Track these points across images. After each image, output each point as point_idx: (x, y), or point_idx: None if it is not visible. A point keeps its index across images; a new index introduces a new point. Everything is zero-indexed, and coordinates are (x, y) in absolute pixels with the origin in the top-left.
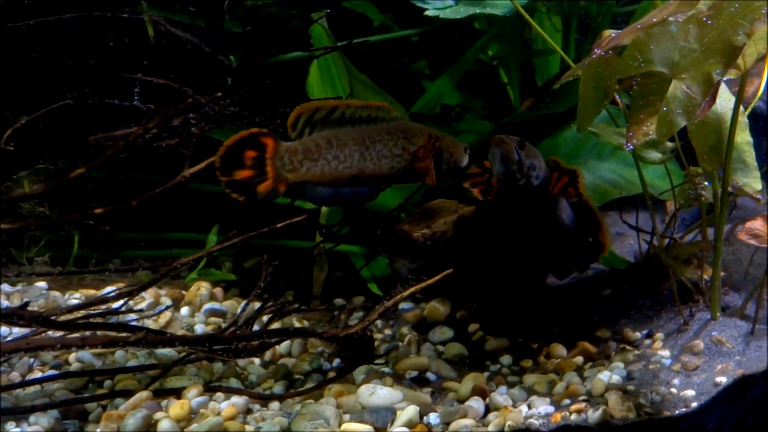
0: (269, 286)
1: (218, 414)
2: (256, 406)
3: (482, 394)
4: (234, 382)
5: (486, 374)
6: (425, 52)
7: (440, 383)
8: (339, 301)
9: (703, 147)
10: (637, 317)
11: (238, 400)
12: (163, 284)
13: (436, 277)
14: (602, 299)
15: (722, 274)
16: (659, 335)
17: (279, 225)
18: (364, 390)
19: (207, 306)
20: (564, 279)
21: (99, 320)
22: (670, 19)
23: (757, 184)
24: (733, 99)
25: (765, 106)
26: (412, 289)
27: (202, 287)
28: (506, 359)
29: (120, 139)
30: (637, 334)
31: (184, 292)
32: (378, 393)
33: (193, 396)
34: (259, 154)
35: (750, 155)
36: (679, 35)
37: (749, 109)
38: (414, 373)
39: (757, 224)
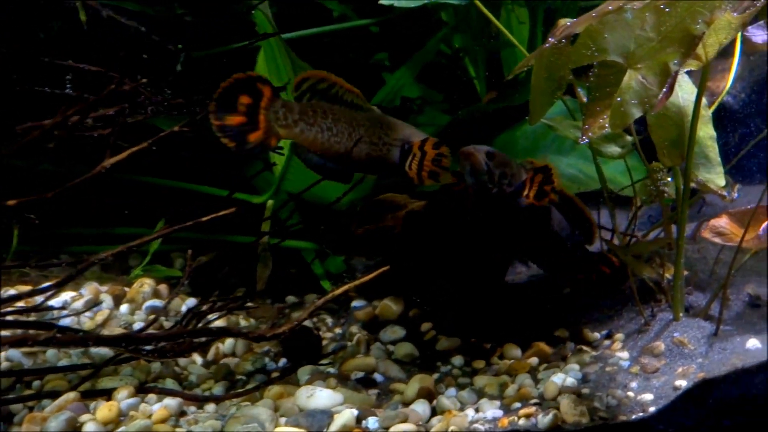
0: (219, 282)
1: (149, 417)
2: (192, 408)
3: (429, 396)
4: (170, 383)
5: (436, 375)
6: (386, 44)
7: (387, 385)
8: (291, 298)
9: (663, 141)
10: (597, 317)
11: (171, 402)
12: (106, 280)
13: (371, 275)
14: (562, 298)
15: (686, 273)
16: (619, 336)
17: (204, 219)
18: (303, 392)
19: (148, 303)
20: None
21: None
22: (626, 6)
23: (720, 180)
24: (695, 91)
25: (734, 101)
26: (344, 288)
27: (146, 284)
28: (458, 360)
29: (51, 129)
30: (596, 335)
31: (126, 288)
32: (317, 395)
33: (123, 397)
34: (254, 102)
35: (713, 150)
36: (635, 23)
37: (716, 104)
38: (360, 374)
39: (722, 222)
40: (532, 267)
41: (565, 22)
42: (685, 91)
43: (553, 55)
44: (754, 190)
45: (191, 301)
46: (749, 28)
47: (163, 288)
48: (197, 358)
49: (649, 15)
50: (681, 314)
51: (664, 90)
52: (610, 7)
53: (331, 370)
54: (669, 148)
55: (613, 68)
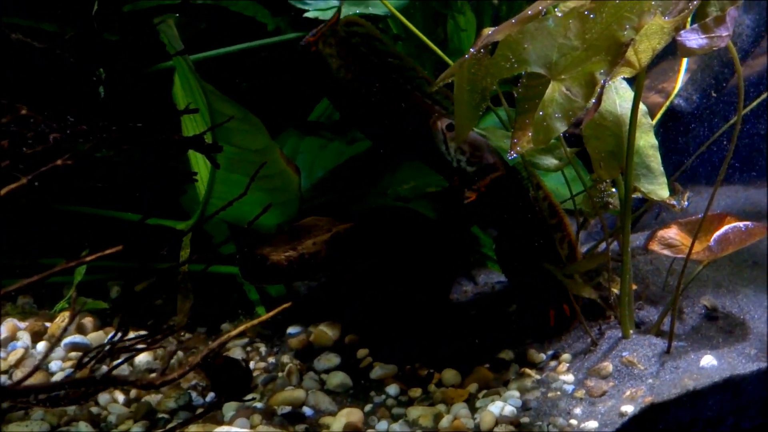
0: (153, 312)
1: None
2: None
3: (357, 431)
4: (83, 426)
5: (368, 407)
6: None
7: (317, 419)
8: (226, 326)
9: (599, 153)
10: (545, 335)
11: None
12: (27, 315)
13: (271, 313)
14: (507, 316)
15: (635, 287)
16: (566, 356)
17: (107, 252)
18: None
19: (68, 340)
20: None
21: None
22: (549, 10)
23: (664, 191)
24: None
25: (685, 104)
26: (241, 328)
27: (66, 317)
28: (393, 389)
29: None
30: (542, 356)
31: (48, 324)
32: None
33: None
34: None
35: (655, 160)
36: (557, 31)
37: (663, 108)
38: (287, 409)
39: (671, 233)
40: (480, 284)
41: (487, 31)
42: (623, 99)
43: (474, 67)
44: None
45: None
46: (682, 32)
47: (88, 321)
48: (119, 396)
49: (572, 22)
50: (631, 331)
51: (593, 101)
52: (529, 12)
53: (259, 405)
54: (606, 159)
55: (542, 78)
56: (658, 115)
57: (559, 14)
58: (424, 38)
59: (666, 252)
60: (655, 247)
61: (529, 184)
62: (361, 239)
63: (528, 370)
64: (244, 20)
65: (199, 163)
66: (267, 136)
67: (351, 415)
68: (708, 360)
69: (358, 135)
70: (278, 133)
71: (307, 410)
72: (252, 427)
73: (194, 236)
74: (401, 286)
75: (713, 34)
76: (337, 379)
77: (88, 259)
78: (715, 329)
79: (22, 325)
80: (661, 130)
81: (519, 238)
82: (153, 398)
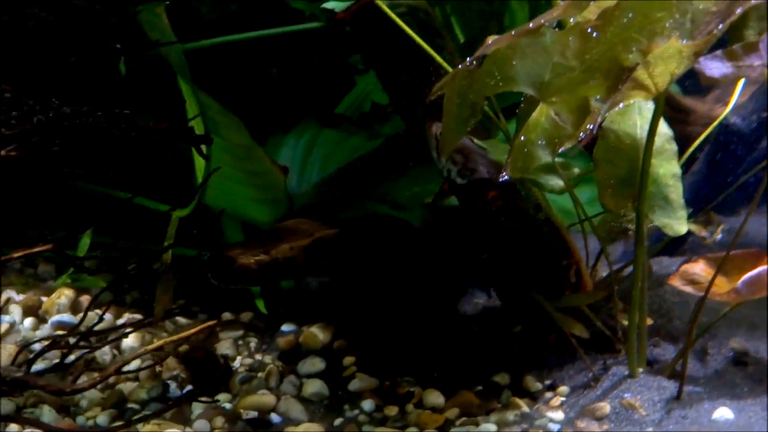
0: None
1: None
2: None
3: None
4: (46, 410)
5: (339, 420)
6: (360, 45)
7: (283, 427)
8: (227, 315)
9: (608, 179)
10: (544, 363)
11: None
12: (28, 288)
13: (193, 331)
14: (511, 337)
15: (650, 321)
16: (563, 389)
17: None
18: None
19: (55, 318)
20: None
21: None
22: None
23: (682, 226)
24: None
25: (742, 122)
26: (141, 352)
27: (64, 295)
28: (369, 404)
29: None
30: (538, 385)
31: (44, 298)
32: None
33: None
34: None
35: (675, 191)
36: (553, 48)
37: (711, 127)
38: (253, 413)
39: (697, 267)
40: (493, 297)
41: (490, 39)
42: (646, 121)
43: (465, 79)
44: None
45: (109, 317)
46: (702, 59)
47: (85, 300)
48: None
49: (572, 39)
50: (640, 370)
51: (591, 127)
52: (531, 25)
53: (228, 405)
54: (616, 187)
55: None
56: (707, 131)
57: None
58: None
59: (688, 288)
60: (675, 282)
61: (529, 204)
62: (346, 247)
63: (518, 400)
64: (277, 4)
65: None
66: (247, 134)
67: (311, 428)
68: (723, 412)
69: (382, 130)
70: (296, 123)
71: (275, 417)
72: (212, 429)
73: (193, 226)
74: (407, 295)
75: (741, 63)
76: (314, 387)
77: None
78: (742, 376)
79: (18, 297)
80: (710, 149)
81: (513, 262)
82: (127, 387)
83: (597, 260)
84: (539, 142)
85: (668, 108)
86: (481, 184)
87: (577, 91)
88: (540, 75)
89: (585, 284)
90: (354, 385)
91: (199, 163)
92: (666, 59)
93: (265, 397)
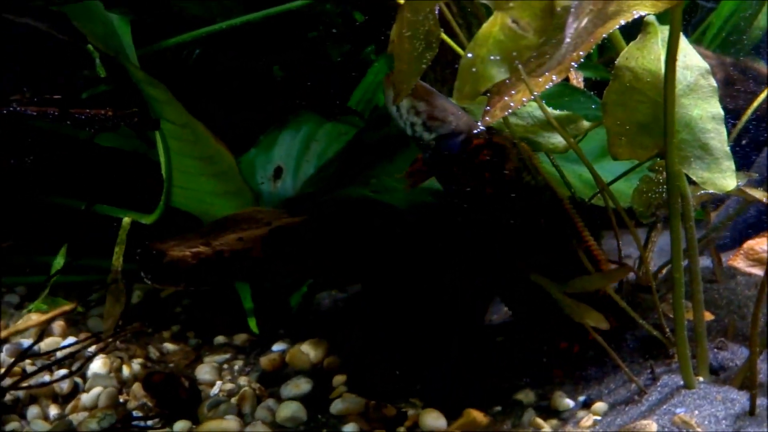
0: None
1: None
2: None
3: None
4: None
5: None
6: (374, 35)
7: None
8: (220, 339)
9: (622, 126)
10: (580, 376)
11: None
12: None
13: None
14: (539, 347)
15: (710, 317)
16: (599, 406)
17: None
18: None
19: (16, 343)
20: None
21: None
22: None
23: (727, 180)
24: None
25: None
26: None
27: (32, 319)
28: (351, 427)
29: None
30: (569, 402)
31: (11, 323)
32: None
33: None
34: None
35: (717, 136)
36: None
37: None
38: None
39: (764, 244)
40: None
41: None
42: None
43: (414, 7)
44: None
45: (71, 340)
46: None
47: (57, 325)
48: (51, 410)
49: None
50: (700, 379)
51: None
52: None
53: None
54: (633, 135)
55: None
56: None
57: None
58: None
59: (754, 270)
60: (737, 263)
61: (524, 168)
62: (315, 238)
63: (542, 422)
64: None
65: (160, 151)
66: (184, 110)
67: None
68: None
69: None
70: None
71: None
72: None
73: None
74: (428, 303)
75: None
76: (288, 411)
77: None
78: None
79: None
80: None
81: (506, 242)
82: (77, 417)
83: (646, 246)
84: (491, 57)
85: None
86: (454, 136)
87: None
88: None
89: (601, 269)
90: (336, 407)
91: (162, 161)
92: None
93: (225, 423)
